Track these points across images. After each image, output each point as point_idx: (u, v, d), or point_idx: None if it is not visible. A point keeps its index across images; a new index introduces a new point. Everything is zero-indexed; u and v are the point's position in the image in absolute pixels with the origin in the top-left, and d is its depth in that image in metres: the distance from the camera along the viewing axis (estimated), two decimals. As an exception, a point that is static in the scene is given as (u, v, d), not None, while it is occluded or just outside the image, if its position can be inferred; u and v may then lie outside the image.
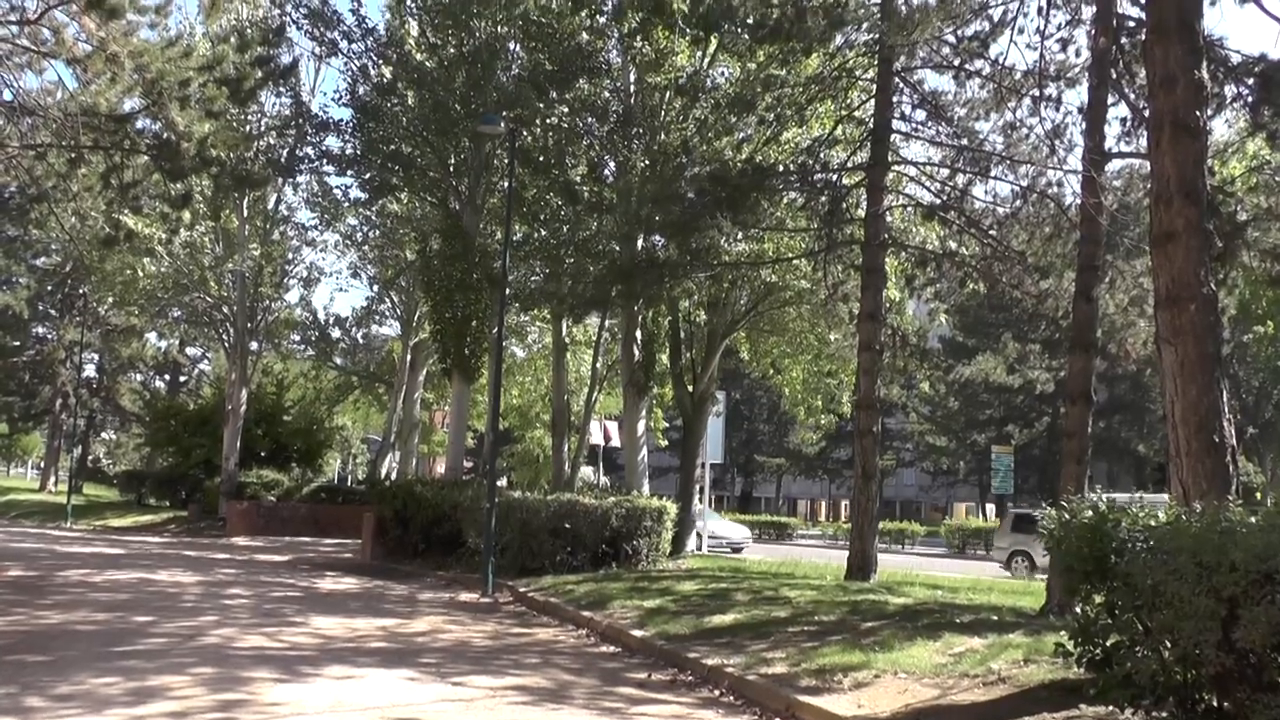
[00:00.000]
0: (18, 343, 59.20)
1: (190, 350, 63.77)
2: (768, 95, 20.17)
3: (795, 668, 9.79)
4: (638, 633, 12.32)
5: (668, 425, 46.69)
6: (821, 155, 21.26)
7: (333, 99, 42.98)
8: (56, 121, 17.01)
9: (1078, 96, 16.52)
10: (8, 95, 17.34)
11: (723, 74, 25.32)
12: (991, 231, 19.44)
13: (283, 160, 29.23)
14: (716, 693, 9.58)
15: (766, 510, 75.96)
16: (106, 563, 21.99)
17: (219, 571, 20.98)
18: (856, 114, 21.42)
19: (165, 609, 14.34)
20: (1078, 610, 8.15)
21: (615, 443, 44.73)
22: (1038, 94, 16.86)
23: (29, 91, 17.56)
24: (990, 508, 65.23)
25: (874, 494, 18.87)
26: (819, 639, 11.05)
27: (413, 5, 27.99)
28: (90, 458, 70.51)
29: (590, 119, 25.14)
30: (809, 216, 21.37)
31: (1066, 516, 7.89)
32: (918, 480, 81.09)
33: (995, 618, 12.09)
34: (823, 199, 20.25)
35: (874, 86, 19.89)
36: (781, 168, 20.88)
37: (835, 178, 20.62)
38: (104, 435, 77.94)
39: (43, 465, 69.94)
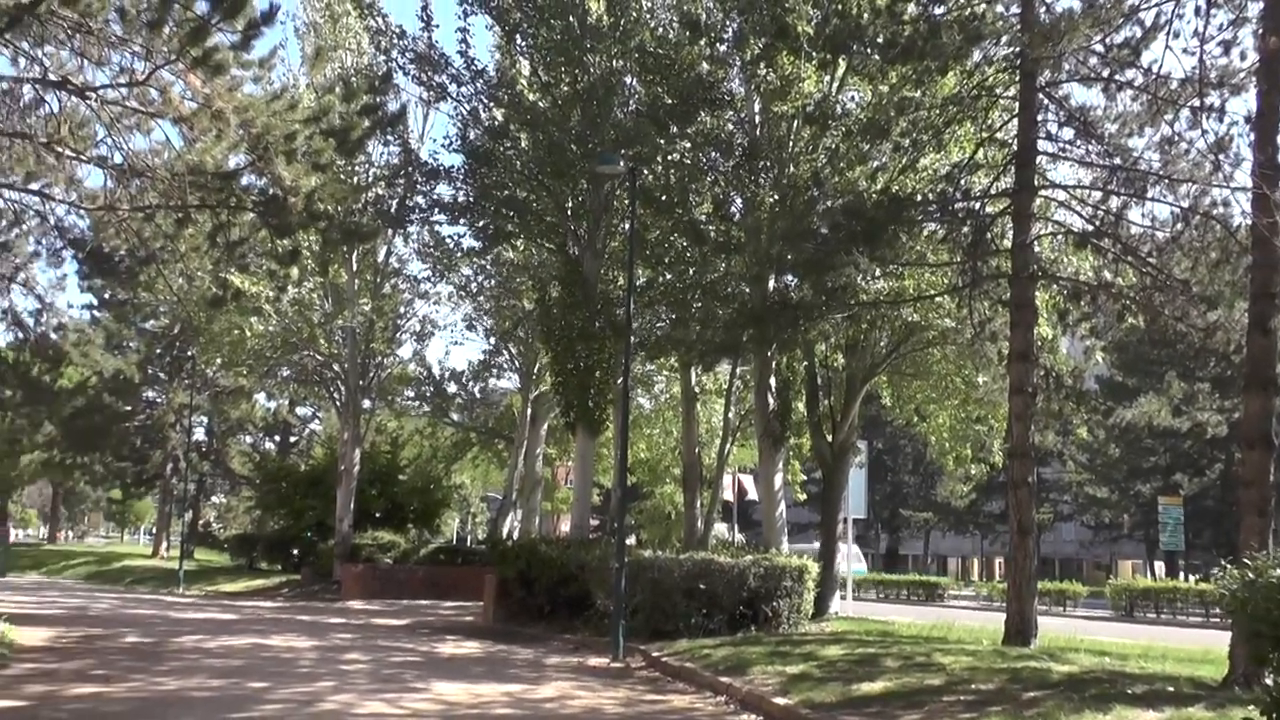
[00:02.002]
0: (129, 407, 61.17)
1: (300, 410, 65.08)
2: (902, 119, 19.84)
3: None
4: (780, 700, 12.16)
5: (805, 478, 46.26)
6: (962, 182, 20.77)
7: (443, 145, 43.93)
8: (164, 182, 17.47)
9: (1244, 105, 15.85)
10: (118, 158, 17.94)
11: (853, 99, 25.21)
12: (1151, 259, 18.77)
13: (392, 211, 29.78)
14: None
15: (914, 569, 74.75)
16: (220, 628, 22.48)
17: (335, 636, 21.31)
18: (998, 135, 20.88)
19: (281, 675, 14.62)
20: (1268, 681, 7.82)
21: (750, 497, 44.62)
22: (1198, 104, 16.32)
23: (138, 153, 18.12)
24: (1159, 565, 63.34)
25: (1031, 551, 18.23)
26: (977, 709, 10.81)
27: (523, 44, 28.27)
28: (201, 522, 72.22)
29: (714, 153, 25.15)
30: (951, 249, 20.93)
31: (1251, 575, 7.58)
32: (1078, 535, 78.72)
33: (1172, 689, 11.65)
34: (965, 229, 19.86)
35: (1016, 104, 19.36)
36: (920, 197, 20.45)
37: (978, 206, 20.18)
38: (214, 499, 79.85)
39: (154, 531, 71.81)
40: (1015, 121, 19.41)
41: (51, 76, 16.38)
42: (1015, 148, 19.26)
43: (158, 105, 16.12)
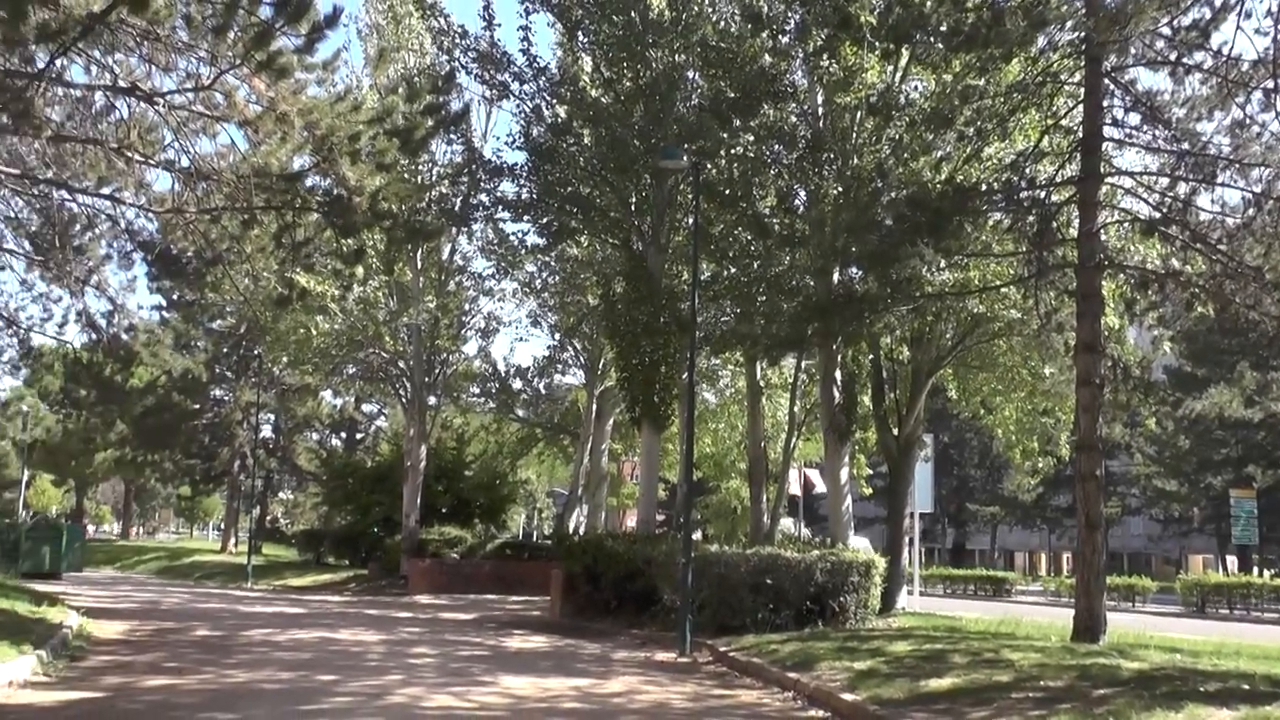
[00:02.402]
0: (197, 406, 62.17)
1: (366, 407, 65.74)
2: (966, 108, 19.61)
3: (1023, 738, 9.40)
4: (848, 696, 12.11)
5: (871, 472, 46.11)
6: (1027, 170, 20.43)
7: (506, 143, 44.00)
8: (230, 184, 17.70)
9: (1320, 86, 15.58)
10: (185, 161, 18.22)
11: (916, 88, 25.02)
12: (1221, 246, 18.42)
13: (456, 209, 29.95)
14: None
15: (981, 564, 74.20)
16: (288, 622, 22.80)
17: (402, 630, 21.51)
18: (1063, 122, 20.50)
19: (349, 668, 14.79)
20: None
21: (816, 491, 44.53)
22: (1270, 85, 16.09)
23: (204, 156, 18.40)
24: (1231, 560, 62.46)
25: (1099, 545, 17.99)
26: (1046, 706, 10.70)
27: (585, 40, 28.38)
28: (269, 518, 73.23)
29: (777, 146, 25.07)
30: (1016, 239, 20.63)
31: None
32: (1146, 529, 77.85)
33: (1247, 686, 11.42)
34: (1030, 219, 19.57)
35: (1081, 90, 18.98)
36: (984, 186, 20.25)
37: (1043, 194, 19.83)
38: (281, 495, 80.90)
39: (223, 526, 72.87)
40: (1081, 108, 19.00)
41: (121, 83, 16.69)
42: (1081, 134, 18.94)
43: (223, 109, 16.34)
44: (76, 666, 14.19)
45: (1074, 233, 19.26)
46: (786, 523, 39.69)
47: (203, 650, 16.76)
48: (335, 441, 68.72)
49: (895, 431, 26.29)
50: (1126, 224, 20.37)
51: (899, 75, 24.05)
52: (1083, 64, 18.62)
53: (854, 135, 24.06)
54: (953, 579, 50.85)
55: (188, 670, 14.15)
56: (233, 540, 64.33)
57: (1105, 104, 18.69)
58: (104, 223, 25.55)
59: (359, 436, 68.11)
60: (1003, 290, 22.60)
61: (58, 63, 15.34)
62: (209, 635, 19.32)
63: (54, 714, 10.64)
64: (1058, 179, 19.86)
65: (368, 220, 17.78)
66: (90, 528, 73.01)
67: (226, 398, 62.66)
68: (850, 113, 24.10)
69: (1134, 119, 18.92)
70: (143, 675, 13.61)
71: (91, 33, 13.89)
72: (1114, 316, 21.82)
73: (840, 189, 23.39)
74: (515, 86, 28.61)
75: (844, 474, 25.47)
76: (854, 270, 23.43)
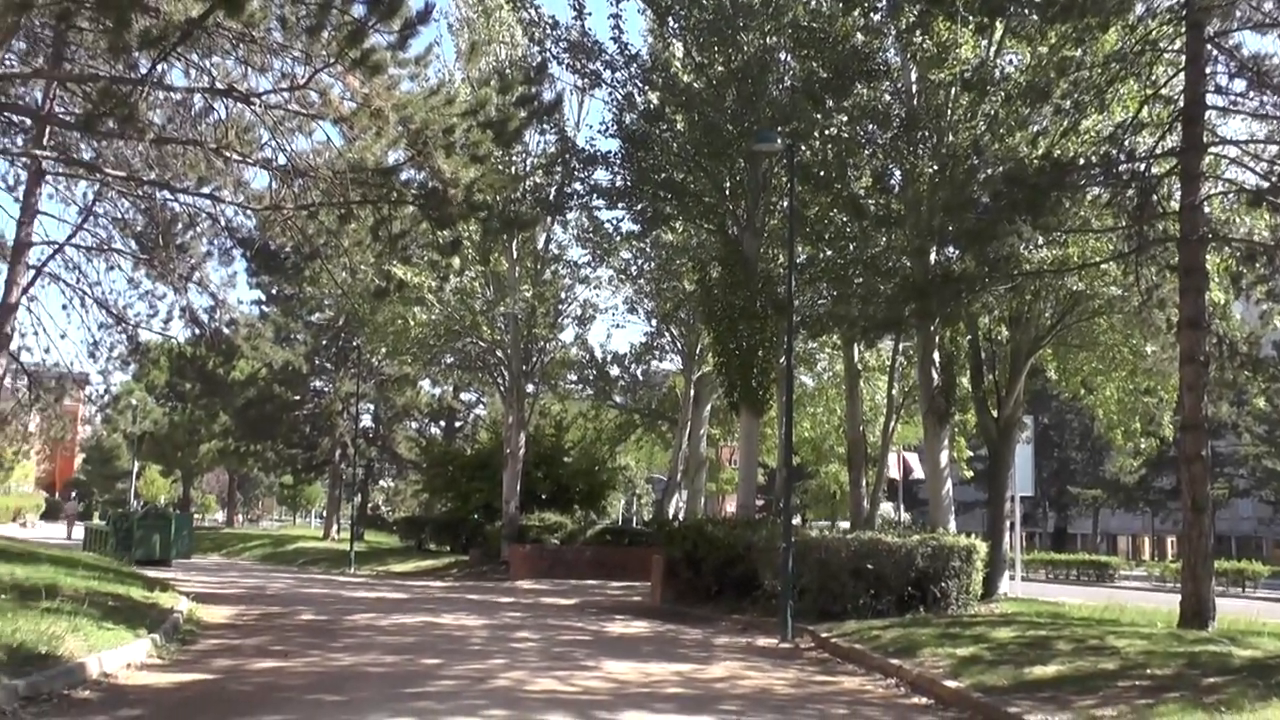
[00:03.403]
0: (298, 397, 63.27)
1: (464, 396, 66.36)
2: (1062, 80, 19.24)
3: (1130, 728, 9.28)
4: (951, 683, 12.11)
5: (971, 455, 45.67)
6: (1126, 143, 19.93)
7: (599, 131, 44.12)
8: (326, 180, 18.04)
9: None
10: (282, 159, 18.61)
11: (1011, 62, 24.63)
12: (1335, 215, 18.14)
13: (551, 198, 30.12)
14: None
15: (1083, 548, 73.05)
16: (392, 607, 23.17)
17: (504, 615, 21.79)
18: (1164, 92, 19.94)
19: (453, 652, 15.04)
20: None
21: (915, 475, 44.22)
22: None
23: (300, 153, 18.78)
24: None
25: (1206, 529, 17.57)
26: (1154, 695, 10.57)
27: (675, 26, 28.35)
28: (370, 505, 74.25)
29: (871, 126, 24.91)
30: (1116, 213, 20.17)
31: None
32: (1256, 512, 76.16)
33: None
34: (1130, 192, 19.17)
35: (1182, 58, 18.52)
36: (1082, 160, 19.79)
37: (1143, 167, 19.37)
38: (382, 483, 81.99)
39: (325, 514, 74.02)
40: (1182, 76, 18.58)
41: (219, 85, 17.09)
42: (1182, 104, 18.52)
43: (318, 107, 16.65)
44: (188, 649, 14.66)
45: (1176, 205, 18.89)
46: (886, 507, 39.49)
47: (308, 634, 17.19)
48: (434, 430, 69.45)
49: (994, 413, 25.93)
50: (1232, 195, 19.94)
51: (993, 49, 23.73)
52: (1183, 30, 18.23)
53: (949, 112, 23.77)
54: (1054, 564, 50.21)
55: (294, 653, 14.54)
56: (335, 527, 65.28)
57: (1208, 71, 18.30)
58: (205, 221, 26.25)
59: (458, 425, 68.78)
60: (1102, 267, 22.13)
61: (159, 68, 15.75)
62: (314, 619, 19.79)
63: (169, 694, 11.00)
64: (1158, 150, 19.44)
65: (463, 212, 17.95)
66: (196, 516, 74.57)
67: (326, 388, 63.59)
68: (944, 89, 23.84)
69: (1239, 85, 18.53)
70: (251, 658, 14.02)
71: (190, 37, 14.24)
72: (1219, 291, 21.33)
73: (936, 167, 23.17)
74: (607, 75, 28.66)
75: (943, 457, 25.25)
76: (951, 250, 23.22)
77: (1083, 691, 10.98)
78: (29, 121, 22.62)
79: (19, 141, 23.82)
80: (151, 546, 40.73)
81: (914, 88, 24.65)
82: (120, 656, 12.34)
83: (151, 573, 27.87)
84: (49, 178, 24.79)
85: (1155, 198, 19.15)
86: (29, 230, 23.77)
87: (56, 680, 10.49)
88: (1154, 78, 20.30)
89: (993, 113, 22.62)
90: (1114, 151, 19.51)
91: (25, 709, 9.54)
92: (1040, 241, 21.72)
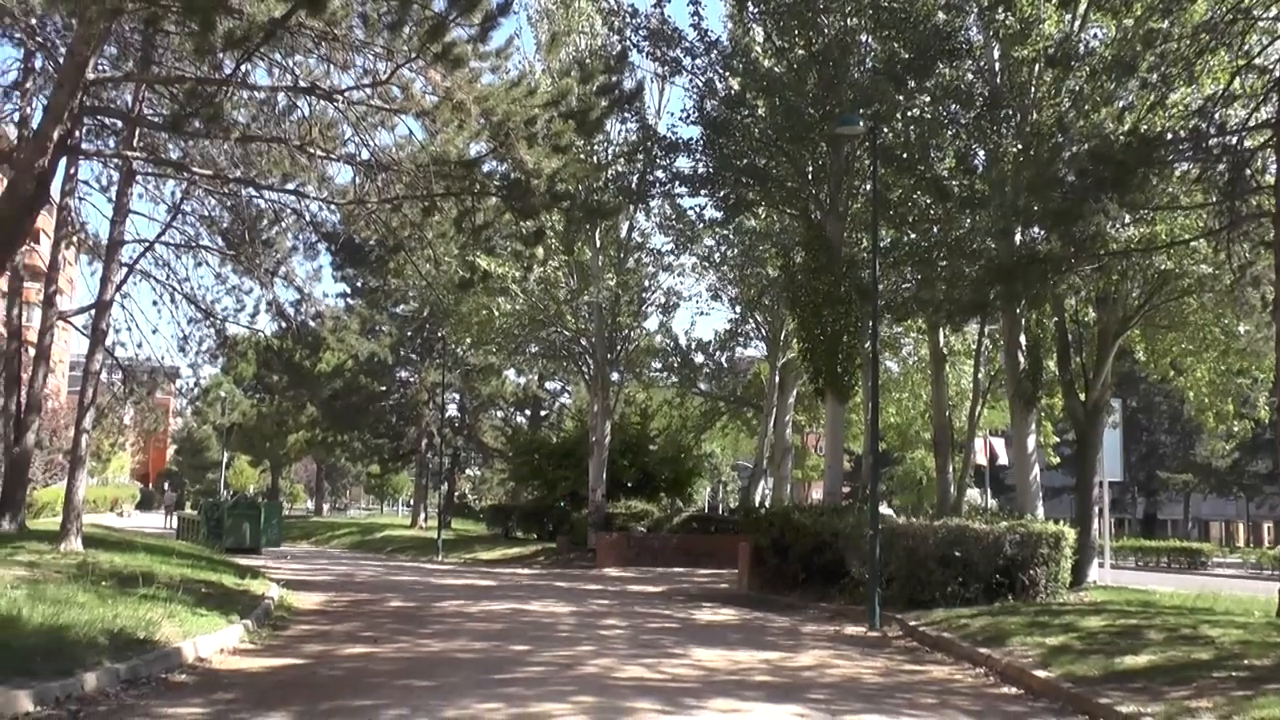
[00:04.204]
0: (384, 388, 64.17)
1: (550, 384, 66.83)
2: (1149, 53, 18.77)
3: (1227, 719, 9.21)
4: (1041, 673, 12.02)
5: (1058, 440, 45.17)
6: (1216, 116, 19.39)
7: (680, 118, 44.17)
8: (409, 173, 18.29)
9: None
10: (365, 154, 18.91)
11: (1095, 36, 24.22)
12: None
13: (633, 187, 30.17)
14: None
15: (1173, 534, 71.76)
16: (479, 594, 23.50)
17: (592, 602, 22.01)
18: (1257, 61, 19.22)
19: (541, 639, 15.21)
20: None
21: (1001, 461, 43.83)
22: None
23: (383, 148, 19.06)
24: None
25: None
26: (1252, 687, 10.39)
27: (755, 10, 28.24)
28: (456, 494, 74.99)
29: (954, 106, 24.74)
30: (1206, 189, 19.75)
31: None
32: (1356, 497, 74.49)
33: None
34: (1221, 167, 18.73)
35: (1278, 25, 18.25)
36: (1170, 135, 19.29)
37: (1235, 140, 18.92)
38: (468, 472, 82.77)
39: (412, 502, 74.86)
40: (1277, 44, 18.26)
41: (301, 83, 17.40)
42: (1277, 73, 18.23)
43: (400, 102, 16.86)
44: (279, 635, 15.08)
45: (1270, 180, 18.46)
46: (972, 493, 39.21)
47: (397, 620, 17.50)
48: (520, 419, 69.99)
49: (1082, 397, 25.54)
50: (1330, 167, 19.43)
51: (1077, 23, 23.34)
52: (1278, -4, 17.85)
53: (1033, 89, 23.51)
54: (1144, 550, 49.49)
55: (384, 639, 14.83)
56: (422, 515, 66.01)
57: (1306, 37, 17.87)
58: (289, 216, 26.68)
59: (543, 413, 69.26)
60: (1192, 244, 21.72)
61: (243, 68, 16.07)
62: (403, 606, 20.12)
63: (262, 679, 11.32)
64: (1251, 123, 18.94)
65: (546, 202, 18.08)
66: (285, 505, 75.86)
67: (412, 379, 64.36)
68: (1028, 66, 23.52)
69: (1339, 51, 18.07)
70: (341, 644, 14.35)
71: (273, 37, 14.48)
72: (1317, 267, 20.88)
73: (1020, 146, 22.96)
74: (687, 62, 28.56)
75: (1030, 442, 24.96)
76: (1036, 230, 22.97)
77: (1176, 682, 10.81)
78: (120, 124, 23.14)
79: (110, 143, 24.39)
80: (242, 535, 41.62)
81: (997, 66, 24.38)
82: (214, 641, 12.77)
83: (242, 560, 28.57)
84: (139, 178, 25.33)
85: (1248, 172, 18.69)
86: (121, 229, 24.30)
87: (154, 664, 10.91)
88: (1246, 47, 19.53)
89: (1077, 89, 22.26)
90: (1204, 125, 19.06)
91: (126, 692, 9.90)
92: (1127, 220, 21.47)
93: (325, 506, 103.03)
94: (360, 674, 11.70)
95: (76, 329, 28.40)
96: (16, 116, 23.72)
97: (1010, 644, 13.98)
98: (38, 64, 22.52)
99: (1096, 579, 24.33)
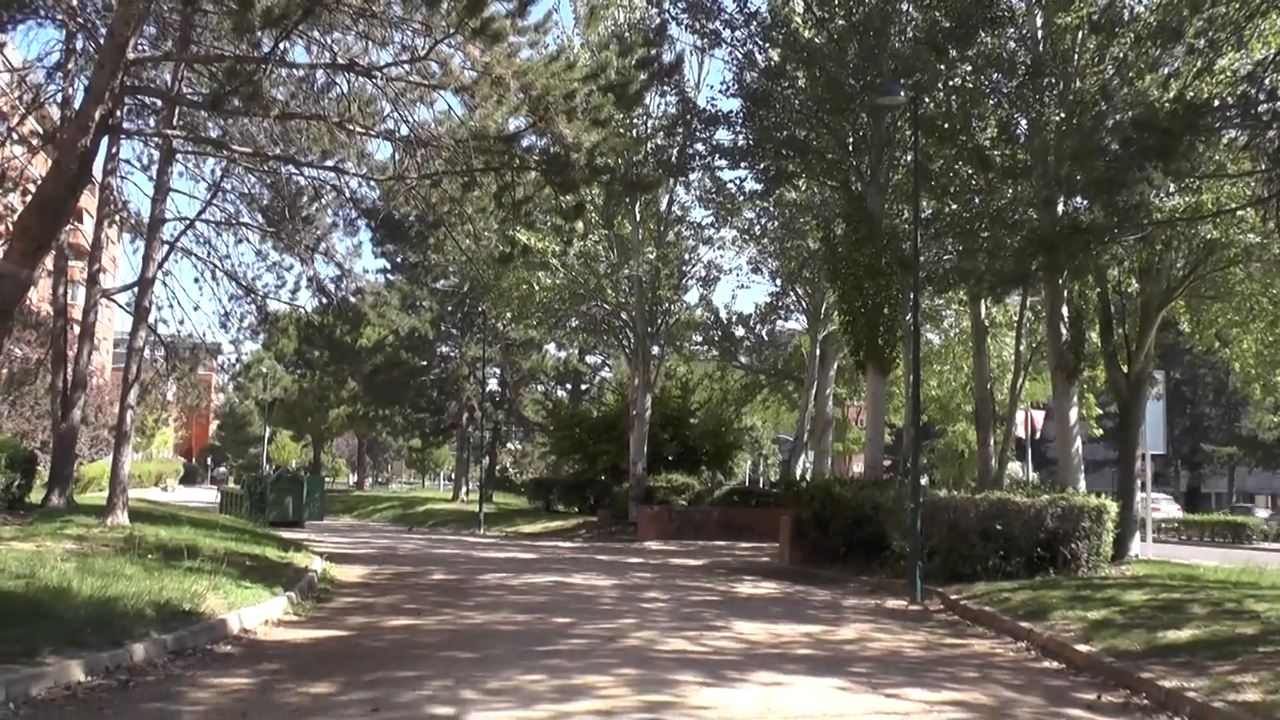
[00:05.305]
0: (425, 362, 64.63)
1: (590, 358, 67.08)
2: (1197, 18, 18.44)
3: (1273, 695, 9.07)
4: (1082, 647, 11.94)
5: (1101, 413, 44.93)
6: (1267, 81, 19.10)
7: (719, 91, 44.11)
8: (448, 149, 18.41)
9: None
10: (404, 130, 19.03)
11: (1141, 1, 24.03)
12: None
13: (673, 160, 30.23)
14: (1178, 719, 9.14)
15: (1217, 508, 71.07)
16: (521, 567, 23.70)
17: (633, 575, 22.16)
18: None
19: (583, 611, 15.37)
20: None
21: (1042, 434, 43.65)
22: None
23: (422, 124, 19.17)
24: None
25: None
26: (1298, 662, 10.28)
27: (795, -20, 28.29)
28: (497, 467, 75.50)
29: (996, 75, 24.50)
30: (1254, 157, 19.44)
31: None
32: None
33: None
34: (1270, 134, 18.45)
35: None
36: (1218, 102, 18.86)
37: None
38: (509, 445, 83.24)
39: (453, 476, 75.37)
40: (1332, 7, 18.08)
41: (340, 60, 17.55)
42: (1332, 34, 17.99)
43: (439, 78, 16.97)
44: (323, 607, 15.32)
45: (1321, 145, 18.29)
46: (1014, 466, 39.08)
47: (440, 593, 17.75)
48: (560, 393, 70.32)
49: (1124, 369, 25.28)
50: (1384, 133, 19.17)
51: (1124, -13, 23.17)
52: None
53: (1076, 57, 23.26)
54: (1187, 525, 49.07)
55: (427, 612, 15.06)
56: (463, 489, 66.49)
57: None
58: (329, 193, 26.89)
59: (584, 387, 69.53)
60: (1239, 213, 21.43)
61: (281, 46, 16.20)
62: (445, 579, 20.37)
63: (306, 650, 11.54)
64: (1302, 88, 18.82)
65: (585, 176, 18.15)
66: (327, 479, 76.66)
67: (453, 354, 64.79)
68: (1071, 33, 23.29)
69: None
70: (384, 616, 14.57)
71: (311, 15, 14.62)
72: (1368, 236, 20.68)
73: (1063, 115, 22.72)
74: (726, 34, 28.57)
75: (1072, 414, 24.78)
76: (1079, 200, 22.78)
77: (1220, 657, 10.68)
78: (160, 103, 23.42)
79: (151, 123, 24.70)
80: (285, 509, 42.12)
81: (1039, 33, 24.12)
82: (258, 613, 13.02)
83: (285, 534, 28.93)
84: (179, 156, 25.53)
85: (1299, 138, 18.53)
86: (162, 207, 24.54)
87: (200, 636, 11.16)
88: (1300, 9, 19.57)
89: (1122, 55, 22.04)
90: (1253, 91, 18.72)
91: (173, 662, 10.14)
92: (1172, 189, 21.20)
93: (367, 481, 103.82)
94: (404, 646, 11.88)
95: (120, 306, 28.65)
96: (59, 97, 24.08)
97: (1052, 618, 13.92)
98: (79, 45, 22.75)
99: (1139, 553, 24.22)
